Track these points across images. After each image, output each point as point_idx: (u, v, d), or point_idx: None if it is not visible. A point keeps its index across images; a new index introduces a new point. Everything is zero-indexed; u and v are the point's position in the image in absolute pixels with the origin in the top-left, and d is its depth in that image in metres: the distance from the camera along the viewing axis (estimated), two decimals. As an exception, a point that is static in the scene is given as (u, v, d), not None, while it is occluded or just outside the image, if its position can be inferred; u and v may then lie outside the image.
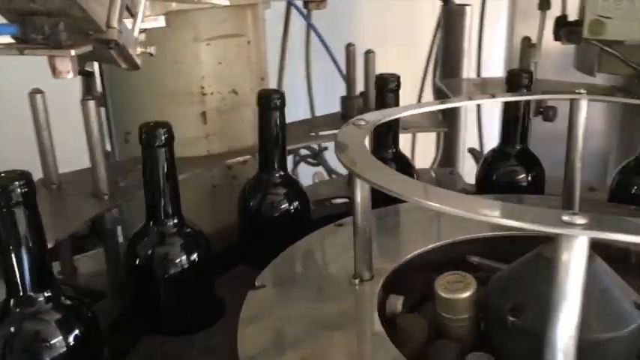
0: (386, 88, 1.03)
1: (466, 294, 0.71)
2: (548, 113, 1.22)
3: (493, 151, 1.12)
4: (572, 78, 1.33)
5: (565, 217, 0.49)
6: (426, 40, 1.77)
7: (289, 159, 1.42)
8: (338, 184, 1.43)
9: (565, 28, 1.16)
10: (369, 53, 1.23)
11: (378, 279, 0.76)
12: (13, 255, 0.63)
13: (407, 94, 1.20)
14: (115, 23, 0.64)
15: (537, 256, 0.69)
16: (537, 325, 0.62)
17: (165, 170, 0.82)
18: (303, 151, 1.61)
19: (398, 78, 1.04)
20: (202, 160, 1.13)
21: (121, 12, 0.65)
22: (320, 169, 1.61)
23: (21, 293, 0.64)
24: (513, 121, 1.07)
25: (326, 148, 1.61)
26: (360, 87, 1.32)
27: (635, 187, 1.02)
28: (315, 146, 1.58)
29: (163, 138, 0.81)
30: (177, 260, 0.84)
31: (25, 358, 0.64)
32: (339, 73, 1.48)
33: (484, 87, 1.32)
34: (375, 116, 0.75)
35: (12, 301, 0.65)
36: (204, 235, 0.88)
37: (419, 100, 1.81)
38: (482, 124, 1.95)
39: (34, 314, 0.64)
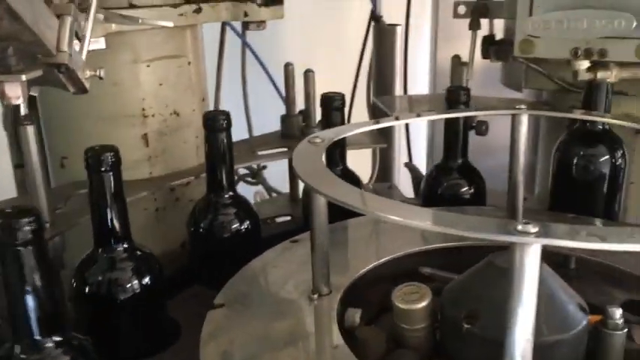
0: (332, 107, 1.05)
1: (422, 304, 0.73)
2: (480, 128, 1.27)
3: (436, 166, 1.17)
4: (495, 93, 1.41)
5: (519, 227, 0.52)
6: (353, 58, 1.81)
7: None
8: (280, 202, 1.44)
9: (493, 47, 1.23)
10: (308, 72, 1.25)
11: (336, 294, 0.77)
12: (20, 297, 0.59)
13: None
14: (65, 47, 0.62)
15: (488, 264, 0.73)
16: (491, 331, 0.66)
17: (113, 194, 0.81)
18: (242, 171, 1.60)
19: (343, 96, 1.07)
20: (145, 183, 1.11)
21: (71, 35, 0.64)
22: (259, 187, 1.62)
23: (28, 339, 0.60)
24: (455, 136, 1.12)
25: (265, 167, 1.61)
26: (298, 105, 1.35)
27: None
28: (255, 165, 1.58)
29: (110, 162, 0.80)
30: (130, 285, 0.82)
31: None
32: (276, 92, 1.49)
33: (419, 103, 1.37)
34: (329, 134, 0.77)
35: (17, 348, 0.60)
36: (155, 257, 0.87)
37: (349, 117, 1.85)
38: (410, 139, 2.01)
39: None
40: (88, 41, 0.71)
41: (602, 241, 0.50)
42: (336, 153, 1.11)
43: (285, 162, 1.37)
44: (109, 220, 0.81)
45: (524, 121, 0.92)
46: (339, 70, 1.97)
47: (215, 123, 0.96)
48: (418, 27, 2.21)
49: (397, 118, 1.07)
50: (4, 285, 0.62)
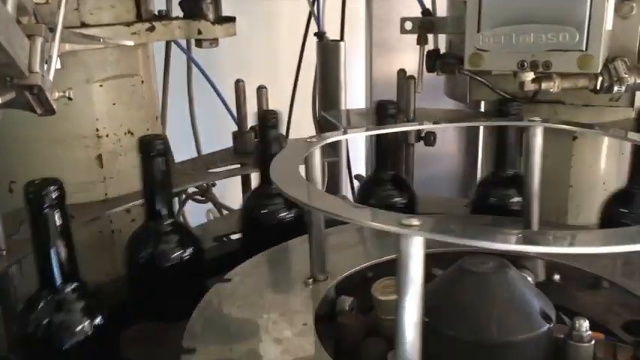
0: (269, 123, 1.06)
1: (394, 296, 0.76)
2: (429, 138, 1.32)
3: (368, 177, 1.20)
4: (434, 105, 1.46)
5: (404, 221, 0.57)
6: (290, 73, 1.82)
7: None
8: (233, 219, 1.43)
9: (439, 61, 1.28)
10: (261, 88, 1.26)
11: (332, 281, 0.87)
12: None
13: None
14: (37, 68, 0.61)
15: (457, 267, 0.76)
16: (448, 325, 0.71)
17: (58, 232, 0.74)
18: (191, 189, 1.58)
19: (278, 113, 1.08)
20: (100, 205, 1.09)
21: (42, 56, 0.62)
22: (210, 205, 1.60)
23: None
24: (390, 148, 1.16)
25: (214, 185, 1.60)
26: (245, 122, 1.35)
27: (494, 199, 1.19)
28: (204, 183, 1.56)
29: (53, 197, 0.72)
30: (77, 329, 0.76)
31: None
32: (225, 108, 1.49)
33: (368, 116, 1.40)
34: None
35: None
36: (101, 298, 0.81)
37: (287, 132, 1.86)
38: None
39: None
40: (55, 62, 0.69)
41: (472, 239, 0.55)
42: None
43: (237, 178, 1.38)
44: (53, 260, 0.75)
45: (539, 133, 0.94)
46: (277, 85, 1.99)
47: (150, 148, 0.89)
48: (352, 42, 2.25)
49: (411, 119, 1.07)
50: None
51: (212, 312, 0.83)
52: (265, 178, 1.11)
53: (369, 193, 1.20)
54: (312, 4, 1.64)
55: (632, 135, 0.98)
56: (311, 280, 0.88)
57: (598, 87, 1.06)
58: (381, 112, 1.15)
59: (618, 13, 1.07)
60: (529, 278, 0.89)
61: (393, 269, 0.79)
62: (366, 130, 1.13)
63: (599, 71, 1.00)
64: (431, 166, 1.31)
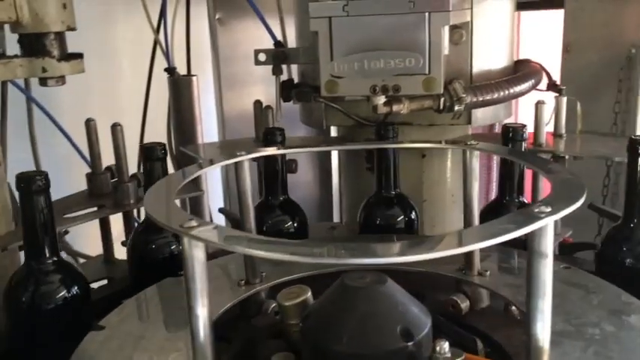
0: (154, 157, 1.03)
1: (291, 302, 0.81)
2: (291, 166, 1.34)
3: (259, 203, 1.20)
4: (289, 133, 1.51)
5: (186, 224, 0.64)
6: (137, 109, 1.78)
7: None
8: (93, 266, 1.34)
9: (294, 90, 1.32)
10: (116, 126, 1.21)
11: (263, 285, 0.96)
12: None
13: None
14: None
15: (339, 281, 0.78)
16: (312, 333, 0.74)
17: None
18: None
19: (164, 146, 1.06)
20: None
21: None
22: (62, 254, 1.49)
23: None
24: (274, 175, 1.17)
25: (67, 232, 1.49)
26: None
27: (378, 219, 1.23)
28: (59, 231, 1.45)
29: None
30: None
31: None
32: (76, 150, 1.41)
33: (229, 148, 1.40)
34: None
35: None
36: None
37: (138, 168, 1.80)
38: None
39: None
40: None
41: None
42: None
43: (93, 223, 1.30)
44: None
45: (476, 155, 0.97)
46: (123, 123, 1.91)
47: (30, 184, 0.88)
48: (200, 76, 2.25)
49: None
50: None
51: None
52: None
53: (260, 220, 1.17)
54: (160, 39, 1.61)
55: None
56: (243, 282, 0.97)
57: (441, 107, 1.16)
58: (267, 138, 1.18)
59: (451, 39, 1.18)
60: (463, 305, 0.96)
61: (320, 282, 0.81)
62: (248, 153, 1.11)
63: (441, 92, 1.10)
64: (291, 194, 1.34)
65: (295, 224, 1.20)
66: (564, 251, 1.25)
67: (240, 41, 2.25)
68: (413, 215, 1.23)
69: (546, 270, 0.66)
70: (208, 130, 2.19)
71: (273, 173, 1.18)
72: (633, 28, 1.60)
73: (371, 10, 1.04)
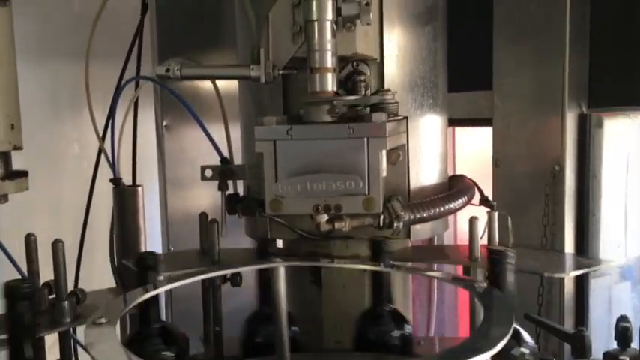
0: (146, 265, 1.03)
1: None
2: (235, 279, 1.35)
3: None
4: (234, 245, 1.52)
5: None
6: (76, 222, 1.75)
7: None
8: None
9: (240, 204, 1.35)
10: (58, 242, 1.19)
11: None
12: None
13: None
14: None
15: None
16: None
17: None
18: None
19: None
20: None
21: None
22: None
23: None
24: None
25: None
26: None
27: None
28: None
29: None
30: None
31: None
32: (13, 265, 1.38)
33: (176, 260, 1.40)
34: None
35: None
36: None
37: (76, 282, 1.76)
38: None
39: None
40: None
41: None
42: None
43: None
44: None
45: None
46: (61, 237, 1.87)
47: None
48: (145, 178, 2.25)
49: (216, 260, 1.08)
50: None
51: None
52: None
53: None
54: (105, 148, 1.63)
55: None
56: None
57: (381, 224, 1.21)
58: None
59: (389, 160, 1.25)
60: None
61: None
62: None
63: (381, 211, 1.15)
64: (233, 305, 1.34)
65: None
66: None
67: (187, 147, 2.28)
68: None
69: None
70: (151, 237, 2.17)
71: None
72: (554, 145, 1.71)
73: (313, 135, 1.10)
